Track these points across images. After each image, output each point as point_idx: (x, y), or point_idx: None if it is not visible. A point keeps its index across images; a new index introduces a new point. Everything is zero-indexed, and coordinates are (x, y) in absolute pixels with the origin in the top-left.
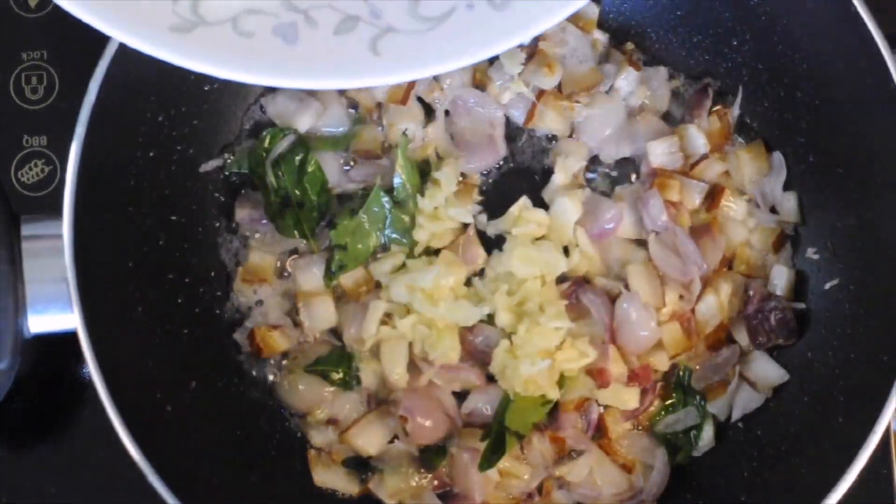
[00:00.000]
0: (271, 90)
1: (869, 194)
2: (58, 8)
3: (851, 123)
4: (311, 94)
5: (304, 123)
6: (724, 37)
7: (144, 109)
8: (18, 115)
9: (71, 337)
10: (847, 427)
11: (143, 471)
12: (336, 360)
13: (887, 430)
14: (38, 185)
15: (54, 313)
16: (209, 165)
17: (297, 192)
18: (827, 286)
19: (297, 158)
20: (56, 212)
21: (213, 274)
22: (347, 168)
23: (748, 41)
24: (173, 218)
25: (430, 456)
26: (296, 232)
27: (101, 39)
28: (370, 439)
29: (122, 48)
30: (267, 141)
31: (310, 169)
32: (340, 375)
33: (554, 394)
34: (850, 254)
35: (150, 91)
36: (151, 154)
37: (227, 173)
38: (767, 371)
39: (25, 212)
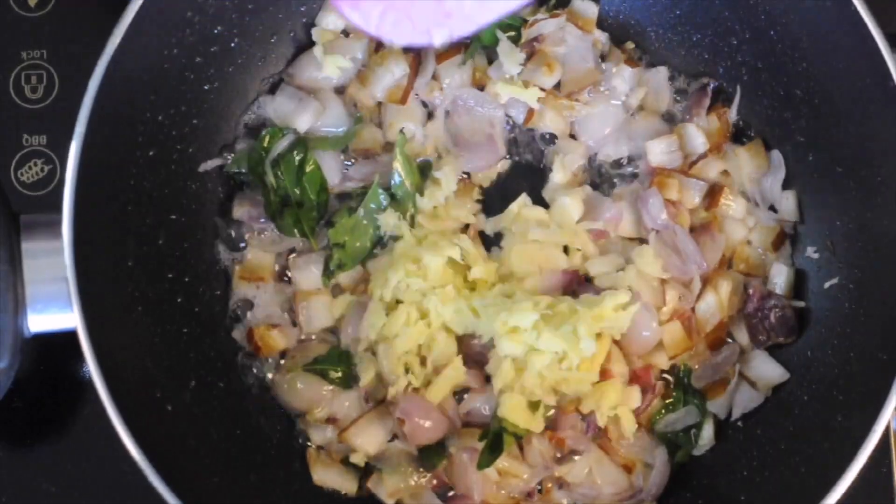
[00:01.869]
0: (271, 90)
1: (869, 194)
2: (58, 7)
3: (851, 123)
4: (311, 93)
5: (303, 123)
6: (723, 36)
7: (144, 109)
8: (18, 115)
9: (71, 336)
10: (847, 427)
11: (143, 471)
12: (335, 359)
13: (887, 430)
14: (38, 184)
15: (54, 312)
16: (209, 165)
17: (297, 192)
18: (827, 285)
19: (297, 158)
20: (56, 211)
21: (212, 273)
22: (347, 167)
23: (748, 40)
24: (173, 217)
25: (429, 455)
26: (295, 230)
27: (101, 39)
28: (369, 438)
29: (123, 47)
30: (266, 140)
31: (309, 168)
32: (339, 374)
33: (551, 401)
34: (850, 253)
35: (149, 91)
36: (151, 154)
37: (227, 173)
38: (767, 370)
39: (25, 211)
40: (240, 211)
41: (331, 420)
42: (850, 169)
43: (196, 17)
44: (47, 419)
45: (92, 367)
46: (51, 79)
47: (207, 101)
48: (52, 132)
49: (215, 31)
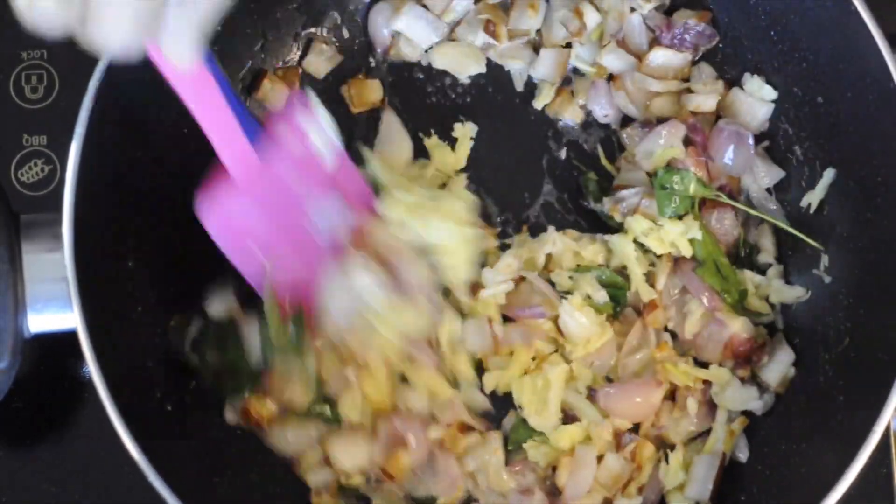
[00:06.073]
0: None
1: (869, 194)
2: None
3: (851, 123)
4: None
5: (214, 310)
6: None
7: (144, 109)
8: (18, 115)
9: (71, 336)
10: (847, 427)
11: (143, 471)
12: (323, 398)
13: (887, 430)
14: (38, 184)
15: (54, 312)
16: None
17: (228, 363)
18: (827, 281)
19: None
20: (56, 211)
21: (212, 273)
22: None
23: (747, 41)
24: (173, 217)
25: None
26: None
27: None
28: (348, 453)
29: None
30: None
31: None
32: (329, 413)
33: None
34: (850, 254)
35: (150, 90)
36: (151, 154)
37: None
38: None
39: (25, 211)
40: None
41: (326, 460)
42: (850, 170)
43: None
44: (47, 419)
45: (92, 367)
46: (51, 79)
47: None
48: (52, 132)
49: (218, 30)
